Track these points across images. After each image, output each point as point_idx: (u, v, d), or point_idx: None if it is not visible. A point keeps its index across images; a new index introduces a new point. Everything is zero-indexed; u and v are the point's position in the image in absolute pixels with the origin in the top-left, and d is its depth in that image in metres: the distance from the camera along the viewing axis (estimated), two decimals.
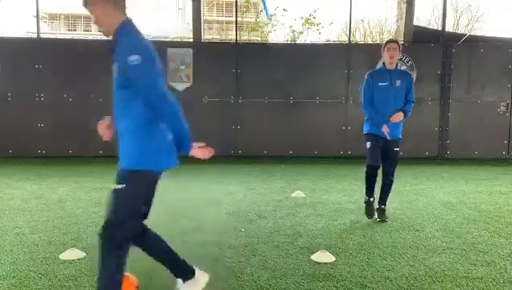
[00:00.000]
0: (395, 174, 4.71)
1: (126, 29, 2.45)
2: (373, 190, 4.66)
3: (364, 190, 4.71)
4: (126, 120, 2.58)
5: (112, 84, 2.57)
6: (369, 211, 4.65)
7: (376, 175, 4.64)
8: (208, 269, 3.27)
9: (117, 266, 2.48)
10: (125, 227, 2.51)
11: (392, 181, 4.71)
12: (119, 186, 2.61)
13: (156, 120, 2.50)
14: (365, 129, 4.68)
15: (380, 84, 4.54)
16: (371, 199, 4.66)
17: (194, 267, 2.84)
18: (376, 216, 4.67)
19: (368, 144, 4.61)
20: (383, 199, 4.73)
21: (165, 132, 2.54)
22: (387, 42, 4.62)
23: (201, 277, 2.84)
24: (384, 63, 4.60)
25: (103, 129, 2.84)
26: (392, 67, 4.57)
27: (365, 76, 4.68)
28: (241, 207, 5.20)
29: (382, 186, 4.72)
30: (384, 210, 4.70)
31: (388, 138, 4.49)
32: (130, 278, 2.80)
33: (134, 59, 2.32)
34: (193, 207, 5.20)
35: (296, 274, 3.22)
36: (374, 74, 4.65)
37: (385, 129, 4.44)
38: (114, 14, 2.44)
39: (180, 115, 2.50)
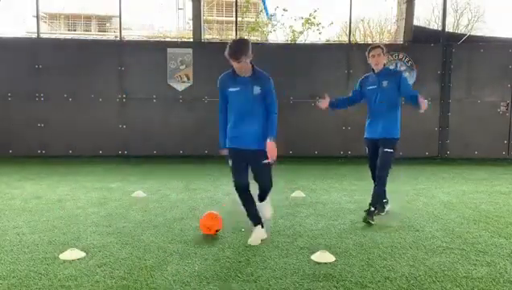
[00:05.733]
0: (387, 177, 4.57)
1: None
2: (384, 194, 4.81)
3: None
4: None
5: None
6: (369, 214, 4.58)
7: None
8: (208, 269, 3.27)
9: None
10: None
11: (381, 185, 4.58)
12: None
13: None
14: None
15: (369, 88, 4.69)
16: (371, 209, 4.55)
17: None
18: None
19: (365, 149, 4.87)
20: (371, 201, 4.60)
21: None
22: (370, 49, 4.67)
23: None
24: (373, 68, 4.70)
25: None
26: (379, 68, 4.64)
27: (359, 80, 4.91)
28: (241, 207, 5.19)
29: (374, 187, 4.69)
30: (371, 212, 4.52)
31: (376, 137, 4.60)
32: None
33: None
34: (194, 207, 5.20)
35: (296, 274, 3.22)
36: (365, 80, 4.80)
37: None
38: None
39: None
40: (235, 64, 3.69)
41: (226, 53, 3.64)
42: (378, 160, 4.57)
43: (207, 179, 6.97)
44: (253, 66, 3.80)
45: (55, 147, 9.13)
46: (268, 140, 3.70)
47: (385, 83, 4.57)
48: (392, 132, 4.58)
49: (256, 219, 3.99)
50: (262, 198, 4.09)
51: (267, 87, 3.82)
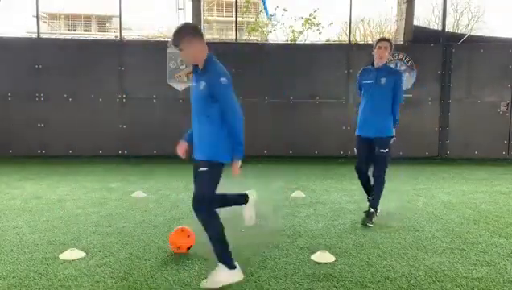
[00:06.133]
0: (385, 176, 4.51)
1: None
2: (368, 193, 4.70)
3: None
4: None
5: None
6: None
7: (363, 178, 4.66)
8: (208, 269, 3.27)
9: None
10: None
11: (379, 184, 4.53)
12: None
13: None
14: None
15: (365, 81, 4.56)
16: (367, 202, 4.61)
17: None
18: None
19: (355, 147, 4.74)
20: (371, 201, 4.56)
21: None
22: (379, 40, 4.55)
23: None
24: (373, 61, 4.56)
25: (182, 150, 3.33)
26: (380, 65, 4.50)
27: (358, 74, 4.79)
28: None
29: (373, 188, 4.61)
30: (371, 214, 4.48)
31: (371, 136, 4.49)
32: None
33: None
34: None
35: (296, 274, 3.22)
36: (363, 72, 4.66)
37: None
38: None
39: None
40: (181, 53, 3.09)
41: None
42: (375, 162, 4.50)
43: None
44: (208, 57, 3.08)
45: (55, 147, 9.12)
46: (234, 160, 3.10)
47: (383, 80, 4.44)
48: (387, 131, 4.49)
49: (239, 201, 3.53)
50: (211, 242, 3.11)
51: (213, 84, 2.98)
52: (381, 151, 4.46)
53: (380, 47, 4.44)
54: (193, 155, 3.21)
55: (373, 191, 4.59)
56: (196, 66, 3.16)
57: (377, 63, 4.50)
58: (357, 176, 4.72)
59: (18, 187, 6.25)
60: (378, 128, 4.47)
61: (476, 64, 9.33)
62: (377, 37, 4.79)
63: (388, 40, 4.52)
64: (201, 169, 3.11)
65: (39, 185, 6.38)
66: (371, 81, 4.49)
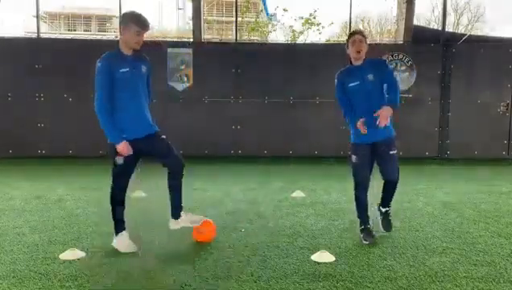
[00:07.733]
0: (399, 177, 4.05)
1: None
2: (368, 214, 4.04)
3: (356, 213, 4.06)
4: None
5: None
6: (368, 235, 3.91)
7: (366, 196, 3.98)
8: (208, 269, 3.28)
9: None
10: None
11: (396, 186, 4.08)
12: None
13: None
14: (351, 137, 4.10)
15: (351, 84, 3.93)
16: (368, 225, 3.97)
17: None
18: (380, 226, 4.16)
19: (353, 158, 3.99)
20: (387, 200, 4.16)
21: None
22: (351, 34, 4.00)
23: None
24: (351, 60, 4.02)
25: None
26: (359, 62, 3.95)
27: (335, 81, 4.07)
28: (241, 207, 5.20)
29: (385, 188, 4.11)
30: (389, 214, 4.18)
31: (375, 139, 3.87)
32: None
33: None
34: (193, 207, 5.20)
35: (296, 274, 3.22)
36: (344, 75, 4.03)
37: (360, 126, 3.79)
38: None
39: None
40: (142, 38, 3.53)
41: (139, 24, 3.49)
42: (387, 164, 3.93)
43: (207, 179, 6.96)
44: None
45: (55, 147, 9.12)
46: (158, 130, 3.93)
47: (370, 76, 3.86)
48: (392, 130, 3.97)
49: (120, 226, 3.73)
50: (176, 212, 3.98)
51: (150, 68, 3.78)
52: (392, 152, 3.92)
53: (355, 42, 3.89)
54: (145, 132, 3.79)
55: (387, 190, 4.13)
56: (119, 52, 3.63)
57: (356, 60, 3.95)
58: (358, 196, 3.99)
59: (18, 187, 6.25)
60: (385, 129, 3.87)
61: (476, 64, 9.33)
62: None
63: (361, 32, 4.01)
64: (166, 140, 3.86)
65: (39, 185, 6.38)
66: (357, 82, 3.90)
